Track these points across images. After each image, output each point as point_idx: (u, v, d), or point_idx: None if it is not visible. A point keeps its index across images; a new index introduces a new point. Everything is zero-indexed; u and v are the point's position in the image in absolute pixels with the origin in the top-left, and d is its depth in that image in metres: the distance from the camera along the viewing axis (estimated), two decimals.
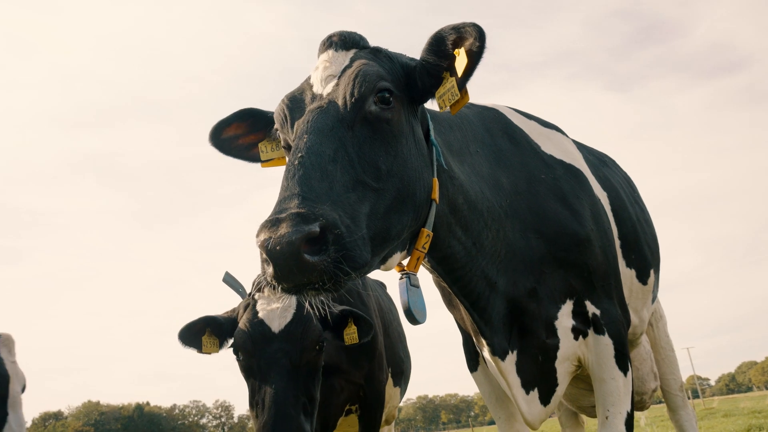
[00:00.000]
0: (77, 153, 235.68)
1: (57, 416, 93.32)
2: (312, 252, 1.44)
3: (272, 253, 1.43)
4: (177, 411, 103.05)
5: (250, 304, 2.80)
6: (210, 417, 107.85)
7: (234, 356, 2.83)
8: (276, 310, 2.69)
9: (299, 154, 1.62)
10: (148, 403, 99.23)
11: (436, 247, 2.11)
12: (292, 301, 2.71)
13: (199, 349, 2.92)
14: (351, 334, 2.87)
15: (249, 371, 2.69)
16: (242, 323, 2.73)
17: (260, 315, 2.69)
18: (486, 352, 2.55)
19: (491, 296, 2.34)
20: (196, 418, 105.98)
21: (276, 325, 2.65)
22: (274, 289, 1.52)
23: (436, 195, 1.99)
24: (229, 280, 3.05)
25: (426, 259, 2.18)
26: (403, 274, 2.03)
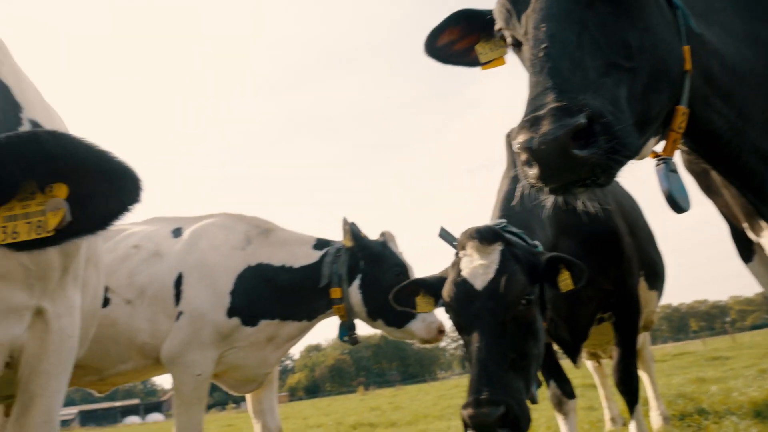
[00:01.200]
0: (287, 114, 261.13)
1: (317, 348, 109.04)
2: (580, 146, 1.34)
3: (537, 153, 1.36)
4: None
5: (455, 263, 2.78)
6: (448, 340, 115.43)
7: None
8: (479, 267, 2.63)
9: (542, 46, 1.49)
10: None
11: (694, 124, 1.85)
12: (495, 257, 2.64)
13: (414, 309, 3.04)
14: (565, 281, 2.70)
15: (458, 329, 2.71)
16: (447, 283, 2.74)
17: (463, 273, 2.66)
18: (766, 238, 2.22)
19: (767, 171, 2.00)
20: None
21: (479, 283, 2.60)
22: (539, 191, 1.47)
23: (688, 65, 1.73)
24: (445, 235, 3.11)
25: (682, 141, 1.93)
26: (659, 160, 1.82)
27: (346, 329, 4.26)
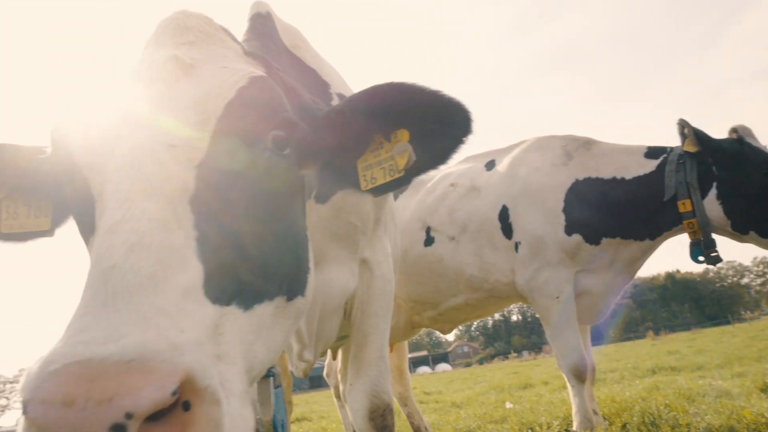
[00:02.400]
0: (541, 53, 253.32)
1: None
2: None
3: None
4: (711, 274, 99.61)
5: None
6: (752, 276, 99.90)
7: None
8: None
9: None
10: (678, 271, 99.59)
11: None
12: None
13: None
14: None
15: None
16: None
17: None
18: None
19: None
20: (734, 279, 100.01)
21: None
22: None
23: None
24: None
25: None
26: None
27: (701, 249, 3.61)
